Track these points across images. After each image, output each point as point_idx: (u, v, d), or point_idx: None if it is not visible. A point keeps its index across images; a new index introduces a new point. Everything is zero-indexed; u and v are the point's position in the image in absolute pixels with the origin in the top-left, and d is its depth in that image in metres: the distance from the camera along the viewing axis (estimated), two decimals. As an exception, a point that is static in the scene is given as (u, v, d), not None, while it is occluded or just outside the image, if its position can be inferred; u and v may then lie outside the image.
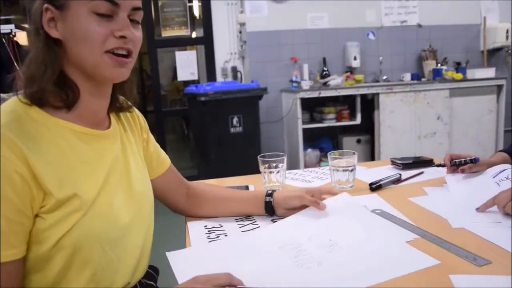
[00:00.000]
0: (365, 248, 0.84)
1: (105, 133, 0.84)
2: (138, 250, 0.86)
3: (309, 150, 3.93)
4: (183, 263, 0.84)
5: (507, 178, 1.07)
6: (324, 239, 0.89)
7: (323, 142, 4.11)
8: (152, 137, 1.03)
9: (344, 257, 0.81)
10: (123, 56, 0.77)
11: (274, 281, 0.74)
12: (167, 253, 0.89)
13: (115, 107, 0.91)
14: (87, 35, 0.74)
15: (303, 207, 1.03)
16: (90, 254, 0.74)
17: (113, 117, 0.91)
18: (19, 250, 0.68)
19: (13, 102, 0.75)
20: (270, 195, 1.06)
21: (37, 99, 0.75)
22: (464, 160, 1.21)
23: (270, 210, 1.05)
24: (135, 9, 0.78)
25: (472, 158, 1.20)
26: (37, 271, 0.72)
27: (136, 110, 1.00)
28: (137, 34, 0.79)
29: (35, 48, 0.77)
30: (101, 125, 0.85)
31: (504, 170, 1.11)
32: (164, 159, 1.06)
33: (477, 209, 1.00)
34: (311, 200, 1.01)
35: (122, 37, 0.76)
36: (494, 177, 1.11)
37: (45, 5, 0.75)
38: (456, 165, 1.23)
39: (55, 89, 0.76)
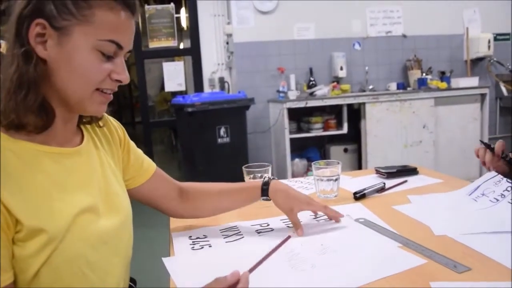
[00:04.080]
0: (356, 251, 0.87)
1: (76, 150, 0.80)
2: (120, 268, 0.84)
3: (297, 159, 3.95)
4: (181, 268, 0.84)
5: (482, 195, 1.08)
6: (316, 243, 0.92)
7: (310, 151, 4.13)
8: (133, 146, 1.00)
9: (337, 258, 0.83)
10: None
11: (270, 283, 0.76)
12: (164, 259, 0.88)
13: (84, 121, 0.86)
14: (87, 72, 0.72)
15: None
16: (71, 280, 0.72)
17: (85, 130, 0.86)
18: (11, 274, 0.66)
19: None
20: (267, 183, 1.06)
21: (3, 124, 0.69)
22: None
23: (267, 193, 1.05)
24: (129, 51, 0.77)
25: None
26: None
27: (114, 121, 0.96)
28: (128, 75, 0.77)
29: (14, 65, 0.68)
30: (71, 141, 0.81)
31: (478, 186, 1.12)
32: (148, 166, 1.03)
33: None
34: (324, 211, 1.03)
35: (118, 80, 0.76)
36: (470, 195, 1.12)
37: (38, 20, 0.68)
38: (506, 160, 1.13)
39: (33, 115, 0.70)
